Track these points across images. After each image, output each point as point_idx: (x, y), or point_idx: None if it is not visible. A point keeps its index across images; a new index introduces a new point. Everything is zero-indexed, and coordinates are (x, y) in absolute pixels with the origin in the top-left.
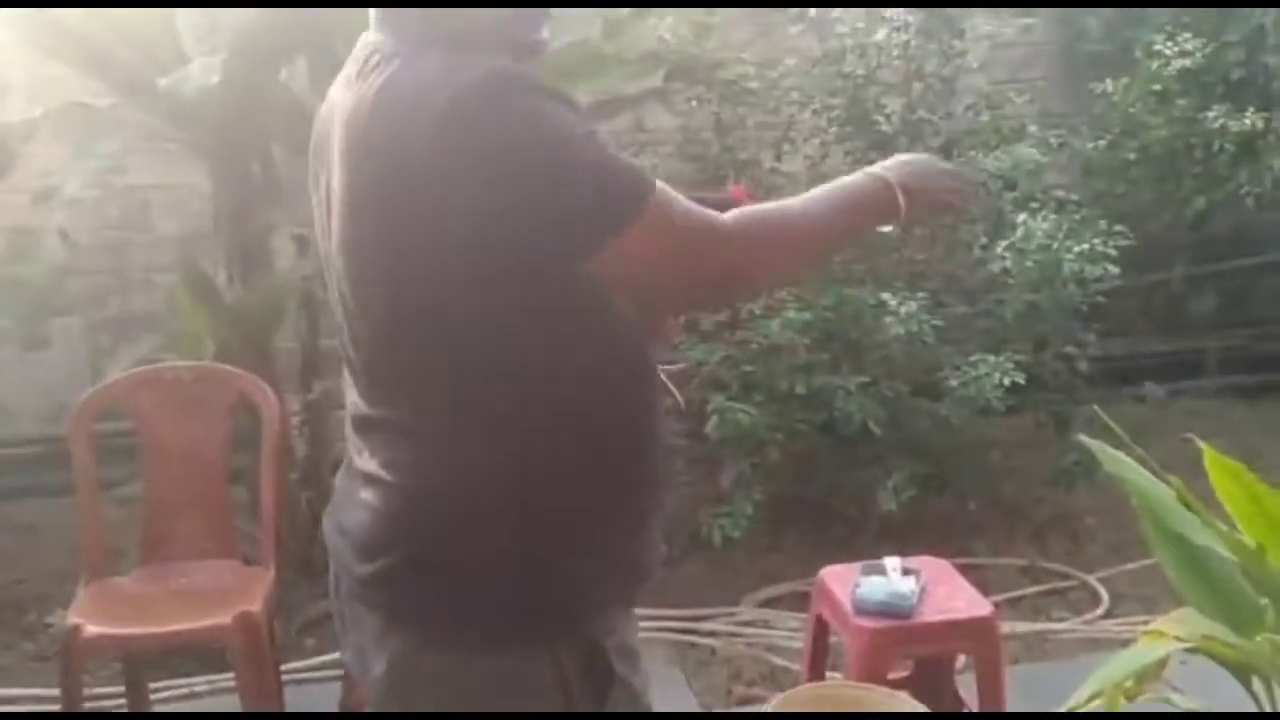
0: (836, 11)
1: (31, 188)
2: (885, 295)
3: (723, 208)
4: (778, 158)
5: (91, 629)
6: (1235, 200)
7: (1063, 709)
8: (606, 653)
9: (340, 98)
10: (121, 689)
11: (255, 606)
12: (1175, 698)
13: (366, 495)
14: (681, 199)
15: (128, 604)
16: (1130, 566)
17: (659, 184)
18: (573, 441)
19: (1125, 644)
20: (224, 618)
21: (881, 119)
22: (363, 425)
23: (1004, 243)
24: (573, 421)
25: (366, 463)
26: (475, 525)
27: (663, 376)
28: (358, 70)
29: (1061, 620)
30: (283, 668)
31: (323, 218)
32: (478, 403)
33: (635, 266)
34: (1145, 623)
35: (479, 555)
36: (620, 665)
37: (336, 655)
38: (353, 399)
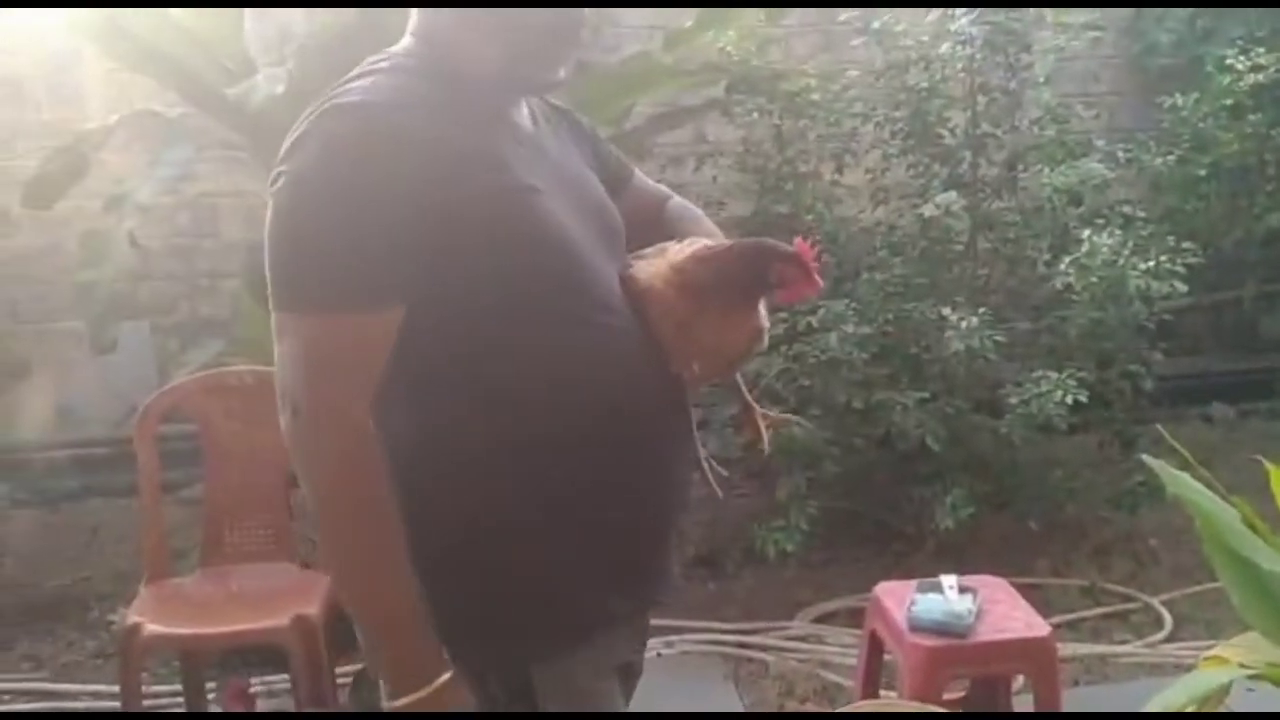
0: (901, 24)
1: (104, 193)
2: (946, 310)
3: (784, 263)
4: (839, 170)
5: (151, 628)
6: None
7: None
8: (533, 691)
9: None
10: (179, 688)
11: (312, 609)
12: None
13: None
14: (345, 348)
15: (187, 604)
16: (1194, 590)
17: (351, 317)
18: (495, 460)
19: (1188, 668)
20: (281, 620)
21: (945, 132)
22: None
23: (1068, 258)
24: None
25: None
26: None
27: (758, 416)
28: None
29: (1123, 643)
30: (340, 670)
31: None
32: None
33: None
34: (1209, 647)
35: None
36: (597, 681)
37: None
38: None
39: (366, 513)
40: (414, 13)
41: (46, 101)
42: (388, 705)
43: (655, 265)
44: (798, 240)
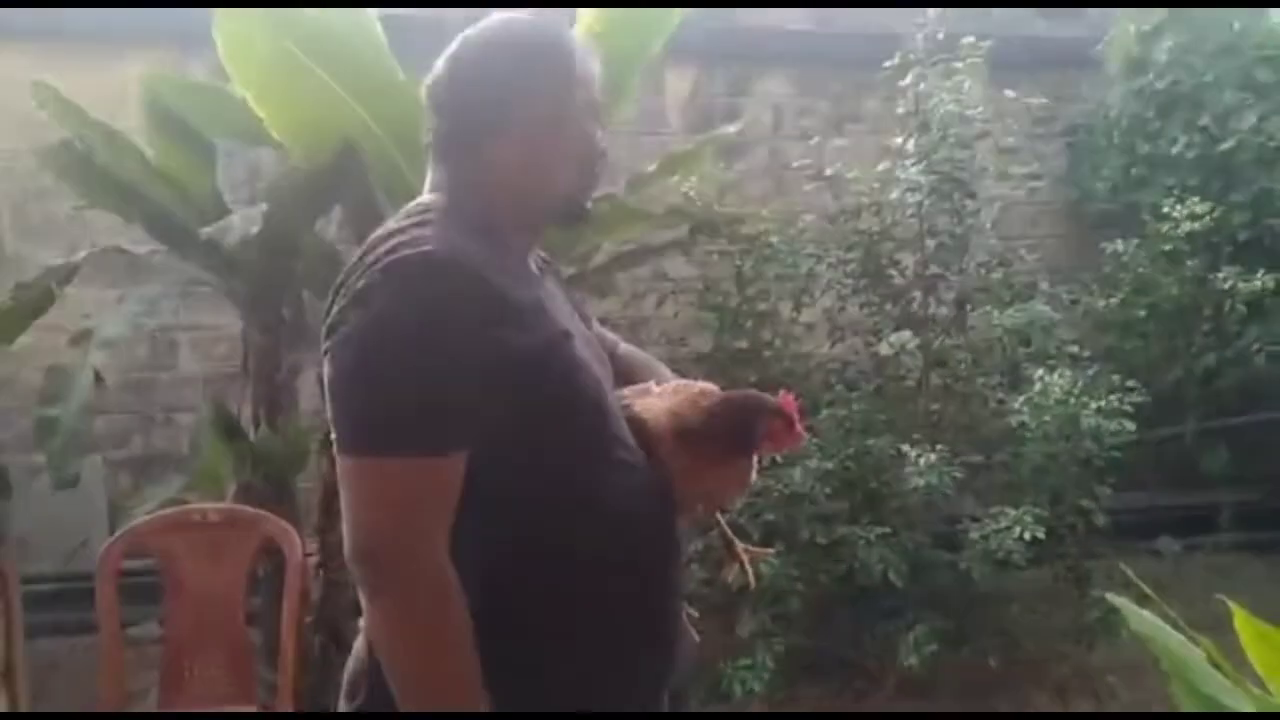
0: (853, 170)
1: (68, 327)
2: (905, 447)
3: (771, 416)
4: (797, 308)
5: None
6: (1245, 357)
7: None
8: None
9: None
10: None
11: None
12: None
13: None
14: (422, 492)
15: None
16: None
17: (427, 460)
18: (539, 602)
19: None
20: None
21: (896, 273)
22: None
23: (1021, 397)
24: (525, 590)
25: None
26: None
27: (741, 551)
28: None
29: None
30: None
31: None
32: None
33: (340, 486)
34: None
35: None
36: None
37: None
38: None
39: (459, 650)
40: (438, 166)
41: (11, 235)
42: None
43: (658, 408)
44: (782, 394)
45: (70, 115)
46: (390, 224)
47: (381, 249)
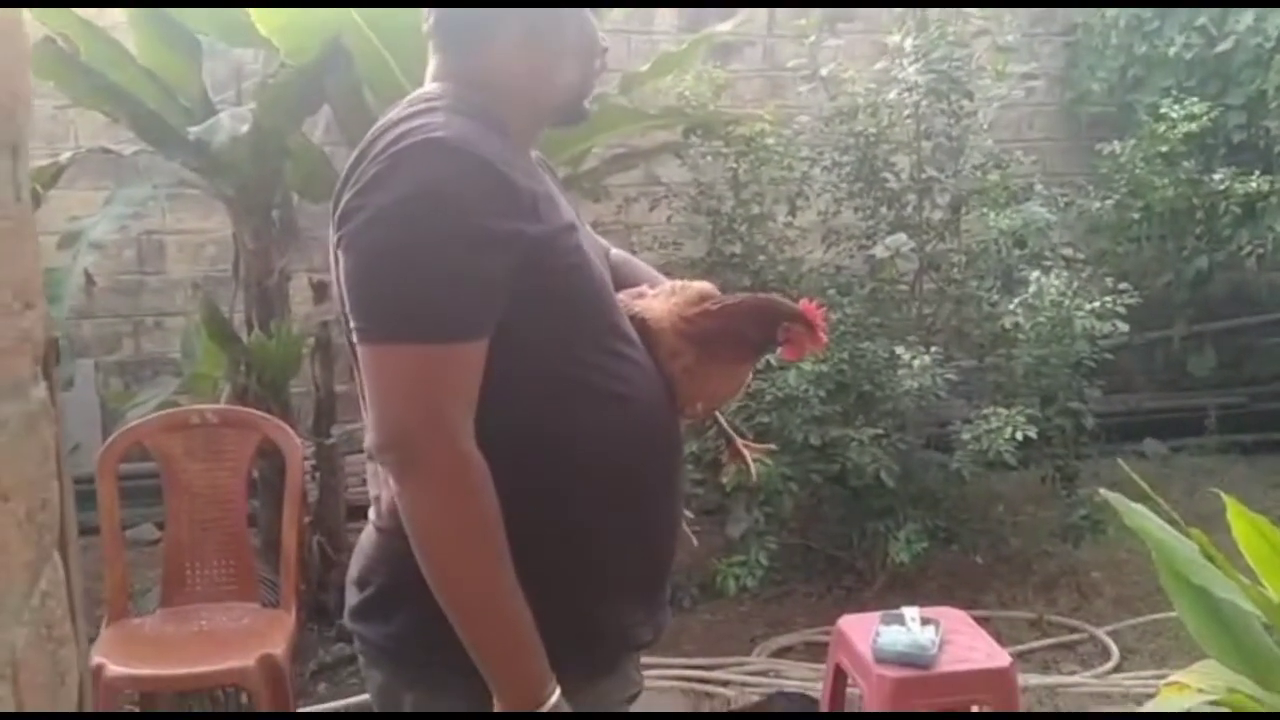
0: (848, 70)
1: (56, 230)
2: (899, 349)
3: (792, 321)
4: (792, 212)
5: (114, 669)
6: (1236, 260)
7: None
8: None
9: None
10: None
11: (278, 649)
12: None
13: (363, 532)
14: (452, 377)
15: (150, 645)
16: (1137, 621)
17: (457, 346)
18: (544, 490)
19: (1137, 699)
20: (247, 660)
21: (891, 176)
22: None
23: (1015, 299)
24: (547, 469)
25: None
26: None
27: (742, 447)
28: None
29: (1072, 674)
30: (303, 710)
31: None
32: None
33: (365, 375)
34: (1158, 677)
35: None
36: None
37: (350, 700)
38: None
39: (488, 535)
40: (439, 56)
41: None
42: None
43: (660, 308)
44: (803, 301)
45: (52, 11)
46: (394, 113)
47: (390, 135)
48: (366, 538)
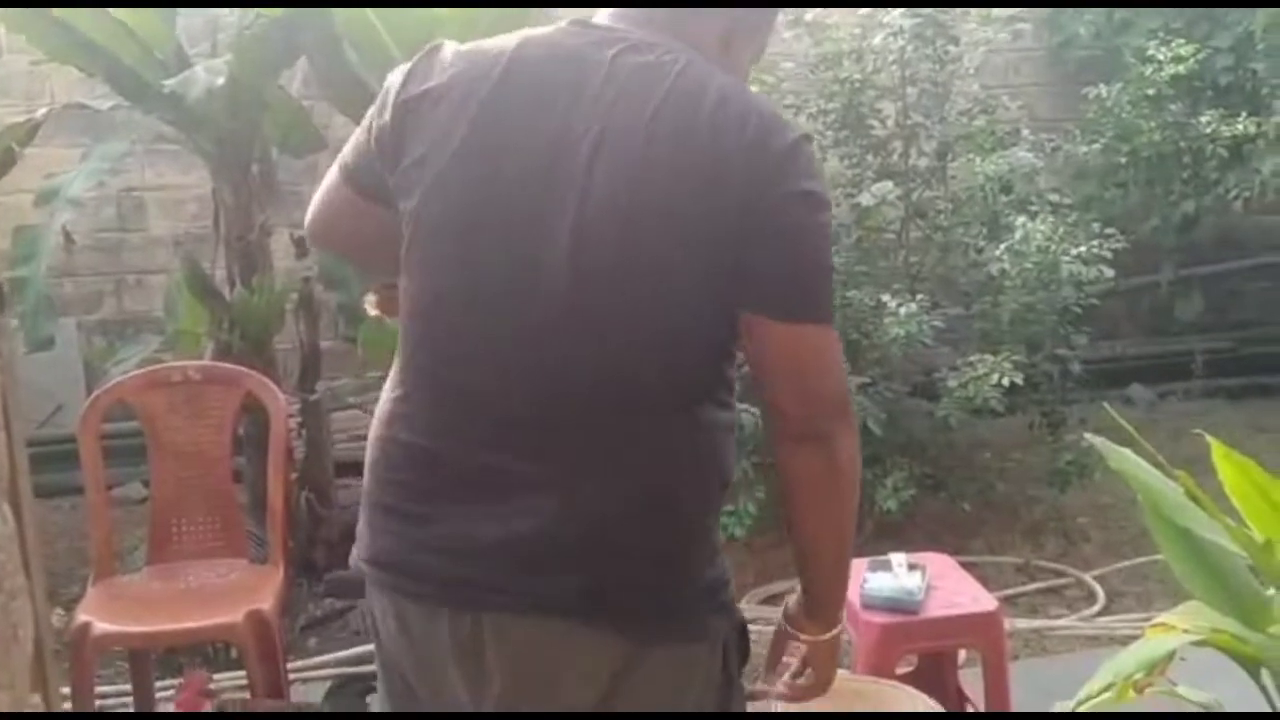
0: (832, 16)
1: (31, 188)
2: (885, 297)
3: None
4: None
5: (101, 626)
6: (1223, 204)
7: (1074, 701)
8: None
9: (549, 53)
10: (125, 688)
11: (266, 605)
12: (1184, 690)
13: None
14: None
15: (137, 602)
16: (1123, 565)
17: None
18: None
19: (1123, 641)
20: (235, 616)
21: (877, 123)
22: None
23: (1002, 245)
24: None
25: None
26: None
27: None
28: (589, 40)
29: (1059, 617)
30: (292, 666)
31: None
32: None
33: (775, 356)
34: (1144, 620)
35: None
36: None
37: (339, 654)
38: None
39: (852, 490)
40: (675, 16)
41: None
42: (835, 634)
43: None
44: None
45: None
46: (610, 50)
47: (766, 117)
48: (558, 524)
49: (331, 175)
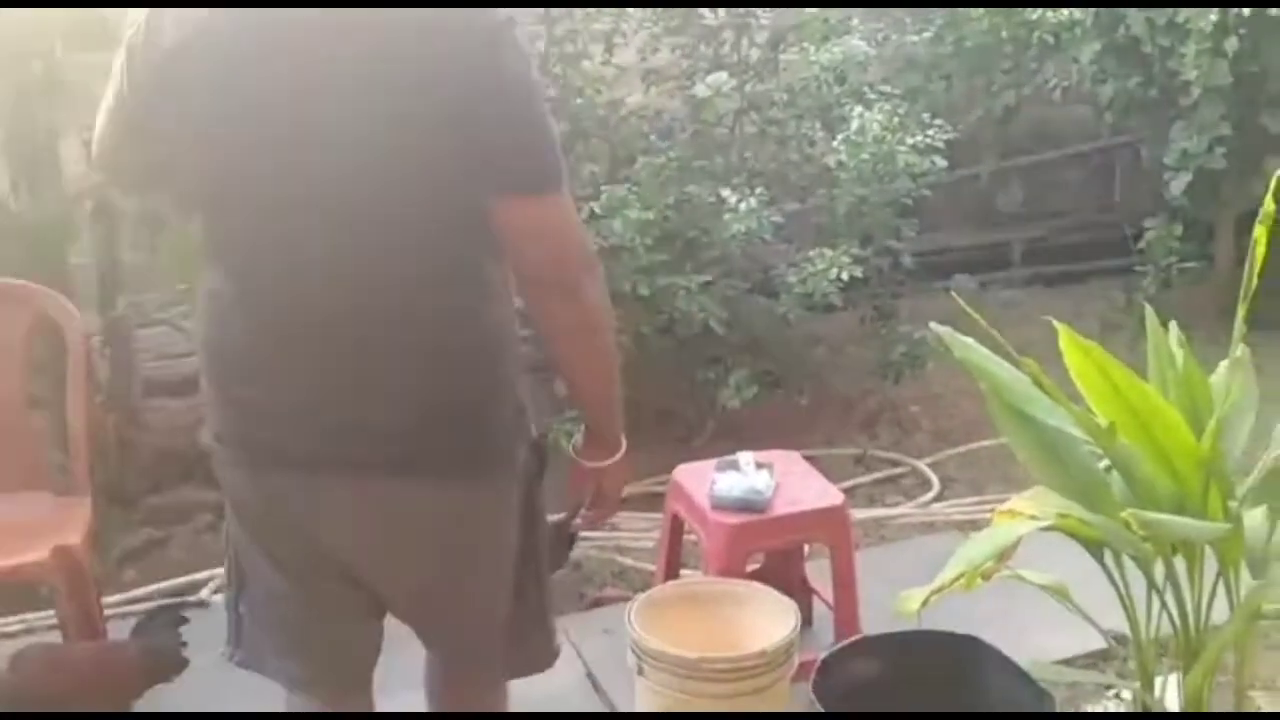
0: None
1: None
2: (725, 192)
3: None
4: (609, 51)
5: None
6: (1043, 94)
7: (928, 589)
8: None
9: None
10: None
11: (74, 539)
12: (1028, 574)
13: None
14: None
15: None
16: (955, 451)
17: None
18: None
19: (959, 525)
20: (41, 553)
21: (708, 14)
22: None
23: (839, 136)
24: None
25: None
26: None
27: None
28: None
29: (896, 505)
30: (108, 601)
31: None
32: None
33: (523, 228)
34: (978, 504)
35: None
36: None
37: (159, 585)
38: None
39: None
40: None
41: None
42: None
43: None
44: None
45: None
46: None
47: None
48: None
49: (107, 101)
